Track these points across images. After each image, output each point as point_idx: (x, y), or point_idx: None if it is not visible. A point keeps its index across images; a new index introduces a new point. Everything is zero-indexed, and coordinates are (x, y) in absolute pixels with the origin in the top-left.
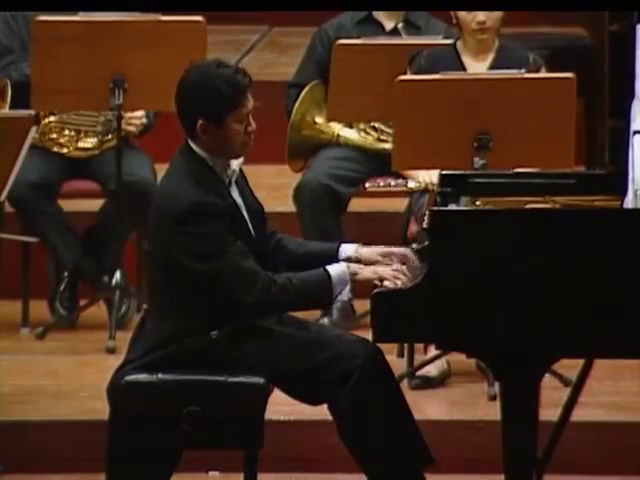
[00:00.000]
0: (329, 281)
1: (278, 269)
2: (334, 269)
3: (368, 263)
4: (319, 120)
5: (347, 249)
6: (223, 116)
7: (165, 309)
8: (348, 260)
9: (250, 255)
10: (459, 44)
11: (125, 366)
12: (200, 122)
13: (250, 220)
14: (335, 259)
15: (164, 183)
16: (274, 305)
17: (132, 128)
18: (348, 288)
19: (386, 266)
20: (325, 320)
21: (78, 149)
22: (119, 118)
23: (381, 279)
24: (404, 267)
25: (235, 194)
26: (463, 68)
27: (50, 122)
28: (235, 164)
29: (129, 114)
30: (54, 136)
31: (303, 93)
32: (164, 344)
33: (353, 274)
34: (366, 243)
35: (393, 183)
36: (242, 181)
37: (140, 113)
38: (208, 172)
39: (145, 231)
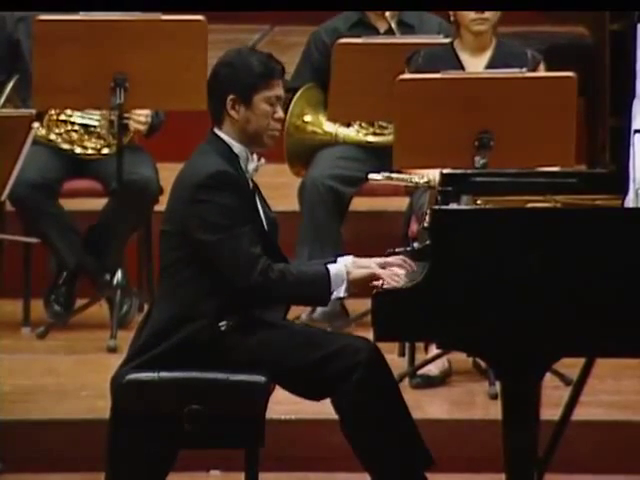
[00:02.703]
0: (327, 276)
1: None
2: (333, 266)
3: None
4: (316, 122)
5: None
6: (253, 92)
7: (172, 293)
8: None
9: (259, 242)
10: (456, 43)
11: (130, 359)
12: (230, 97)
13: (266, 222)
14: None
15: (187, 164)
16: (270, 292)
17: (141, 127)
18: (344, 286)
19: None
20: (303, 317)
21: (85, 148)
22: (120, 117)
23: (377, 278)
24: (402, 271)
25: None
26: (461, 66)
27: (57, 116)
28: (258, 162)
29: (136, 111)
30: (61, 131)
31: (296, 96)
32: (168, 329)
33: (349, 272)
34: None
35: (395, 176)
36: (258, 189)
37: (146, 111)
38: (232, 158)
39: (145, 230)
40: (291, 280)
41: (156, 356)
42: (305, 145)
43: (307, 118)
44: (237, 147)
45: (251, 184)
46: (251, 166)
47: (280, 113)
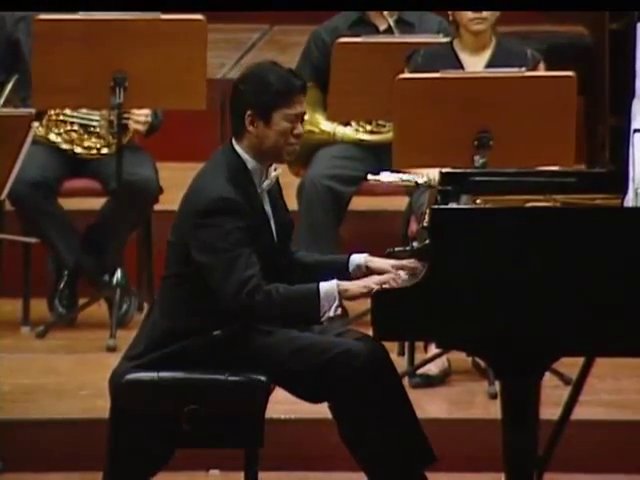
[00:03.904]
0: (317, 295)
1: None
2: (324, 284)
3: (379, 273)
4: (313, 121)
5: (357, 258)
6: (271, 110)
7: (170, 305)
8: (358, 269)
9: (256, 266)
10: (456, 42)
11: (126, 361)
12: (248, 112)
13: (276, 232)
14: (345, 268)
15: (198, 178)
16: (256, 312)
17: (140, 127)
18: (336, 304)
19: (381, 276)
20: None
21: (84, 148)
22: (120, 116)
23: (372, 290)
24: (401, 273)
25: (266, 203)
26: (460, 65)
27: (56, 116)
28: (273, 174)
29: (136, 111)
30: (61, 131)
31: None
32: (165, 342)
33: (343, 291)
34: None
35: (395, 176)
36: (277, 193)
37: (146, 111)
38: (244, 174)
39: (145, 229)
40: (277, 301)
41: (155, 360)
42: (303, 144)
43: (309, 119)
44: (251, 163)
45: (266, 196)
46: (266, 183)
47: (300, 129)
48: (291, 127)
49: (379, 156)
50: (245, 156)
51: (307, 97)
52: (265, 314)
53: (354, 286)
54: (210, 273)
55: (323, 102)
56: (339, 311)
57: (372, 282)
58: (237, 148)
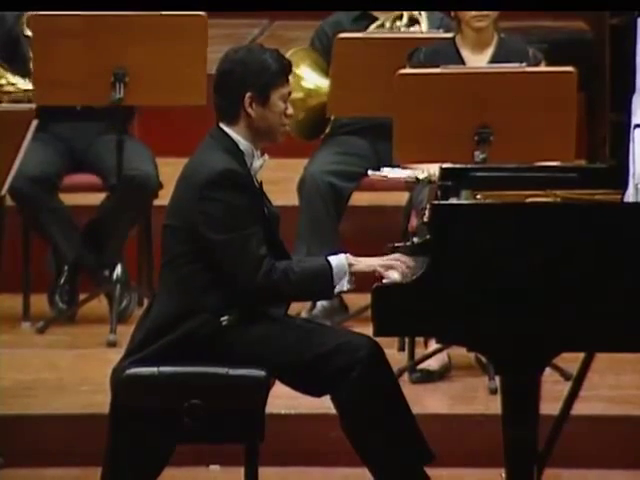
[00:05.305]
0: (330, 270)
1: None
2: (334, 259)
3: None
4: (304, 77)
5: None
6: (270, 90)
7: (175, 287)
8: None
9: (264, 243)
10: (458, 39)
11: (130, 353)
12: (248, 94)
13: (268, 215)
14: None
15: (193, 158)
16: (273, 293)
17: None
18: (347, 279)
19: (382, 258)
20: (303, 314)
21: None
22: (119, 110)
23: (375, 270)
24: (400, 256)
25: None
26: (463, 63)
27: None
28: (261, 159)
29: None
30: None
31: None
32: (170, 324)
33: (350, 265)
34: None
35: (395, 172)
36: (260, 184)
37: None
38: (239, 153)
39: (145, 224)
40: (294, 279)
41: (156, 351)
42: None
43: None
44: (243, 144)
45: (257, 181)
46: (257, 163)
47: (291, 110)
48: (285, 107)
49: (379, 152)
50: (237, 137)
51: (296, 60)
52: (282, 293)
53: (361, 263)
54: (222, 251)
55: (316, 61)
56: (349, 286)
57: (377, 263)
58: (227, 130)
